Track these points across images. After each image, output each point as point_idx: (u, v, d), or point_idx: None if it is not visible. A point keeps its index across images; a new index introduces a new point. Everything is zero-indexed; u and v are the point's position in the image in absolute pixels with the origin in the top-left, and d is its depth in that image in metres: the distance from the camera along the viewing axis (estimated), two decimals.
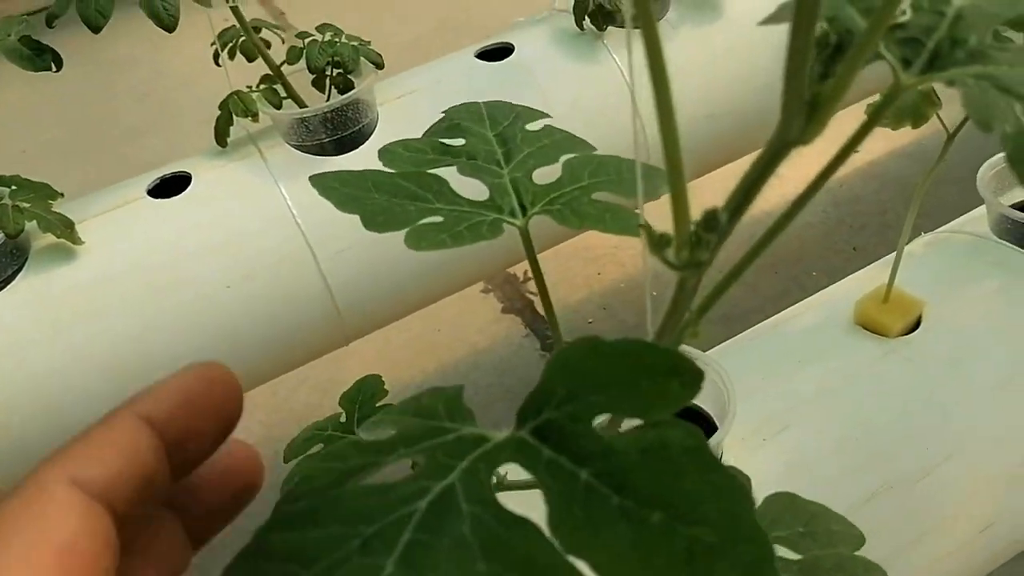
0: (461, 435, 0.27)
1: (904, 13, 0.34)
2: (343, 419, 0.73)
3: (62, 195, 1.01)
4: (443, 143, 0.52)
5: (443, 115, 0.55)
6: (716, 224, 0.33)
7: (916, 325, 0.78)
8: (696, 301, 0.38)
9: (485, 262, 1.15)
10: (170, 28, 0.93)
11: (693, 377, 0.26)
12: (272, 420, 1.51)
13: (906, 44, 0.33)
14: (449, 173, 0.51)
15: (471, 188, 0.50)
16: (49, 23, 0.93)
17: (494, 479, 0.25)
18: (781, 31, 0.29)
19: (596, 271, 1.62)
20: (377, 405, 0.73)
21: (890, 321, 0.76)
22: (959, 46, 0.32)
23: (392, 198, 0.51)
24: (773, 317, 0.83)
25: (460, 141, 0.53)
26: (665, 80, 0.30)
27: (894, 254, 0.78)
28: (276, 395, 1.52)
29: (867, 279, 0.82)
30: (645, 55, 0.30)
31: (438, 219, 0.50)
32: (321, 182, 0.53)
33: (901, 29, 0.34)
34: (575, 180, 0.51)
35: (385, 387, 0.74)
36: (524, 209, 0.51)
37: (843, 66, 0.31)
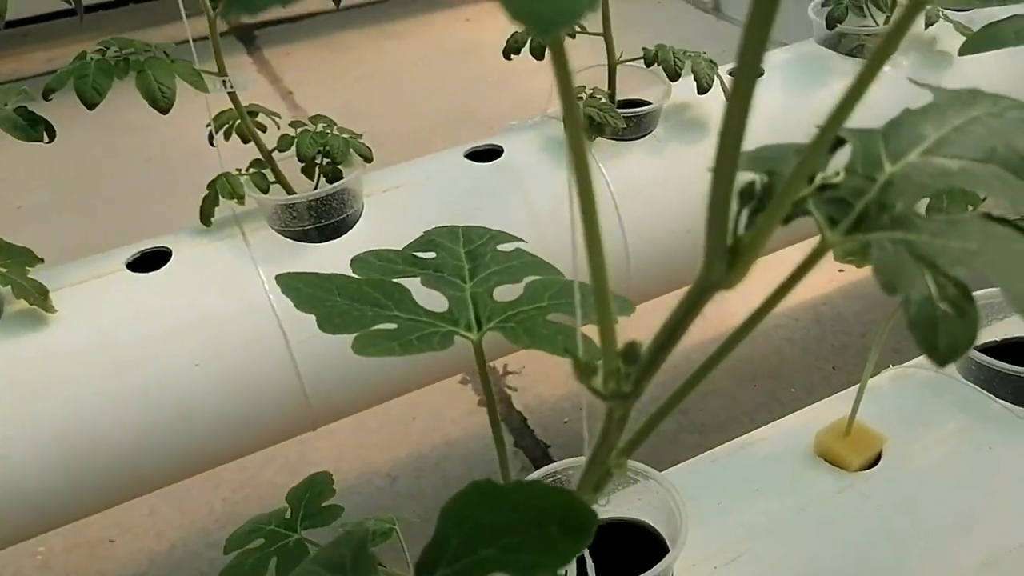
0: None
1: (839, 175, 0.36)
2: (288, 515, 0.71)
3: (41, 261, 1.01)
4: (415, 256, 0.53)
5: (423, 234, 0.56)
6: (635, 357, 0.33)
7: (876, 460, 0.78)
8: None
9: (460, 358, 1.15)
10: (164, 110, 0.94)
11: (583, 527, 0.26)
12: (236, 498, 1.49)
13: (835, 204, 0.34)
14: (415, 284, 0.51)
15: (437, 300, 0.51)
16: (46, 96, 0.95)
17: None
18: None
19: None
20: (323, 504, 0.72)
21: (850, 455, 0.76)
22: (886, 211, 0.33)
23: (353, 303, 0.52)
24: (735, 440, 0.83)
25: (432, 255, 0.54)
26: (594, 213, 0.31)
27: (857, 386, 0.78)
28: (243, 472, 1.50)
29: (830, 409, 0.81)
30: (576, 185, 0.31)
31: (392, 326, 0.51)
32: (286, 281, 0.54)
33: (832, 189, 0.35)
34: (535, 300, 0.52)
35: (334, 487, 0.73)
36: (480, 323, 0.51)
37: (763, 218, 0.32)
